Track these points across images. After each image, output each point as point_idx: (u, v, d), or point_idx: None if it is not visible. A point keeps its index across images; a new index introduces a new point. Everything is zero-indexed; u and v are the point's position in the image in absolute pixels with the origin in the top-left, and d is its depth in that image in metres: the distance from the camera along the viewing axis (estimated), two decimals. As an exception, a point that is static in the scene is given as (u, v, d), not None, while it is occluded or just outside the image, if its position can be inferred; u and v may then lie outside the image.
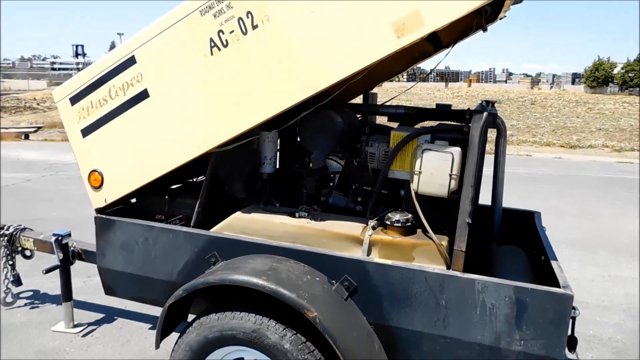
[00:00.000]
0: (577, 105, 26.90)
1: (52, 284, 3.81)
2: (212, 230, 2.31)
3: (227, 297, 2.03)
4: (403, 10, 1.80)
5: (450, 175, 2.02)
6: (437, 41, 2.87)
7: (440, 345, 1.94)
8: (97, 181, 2.44)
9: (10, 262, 3.38)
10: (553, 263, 2.15)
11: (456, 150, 2.04)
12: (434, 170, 2.04)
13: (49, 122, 16.33)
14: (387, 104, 2.89)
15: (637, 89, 45.07)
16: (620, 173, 9.43)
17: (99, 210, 2.48)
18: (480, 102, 2.18)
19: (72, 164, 9.07)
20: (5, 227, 3.35)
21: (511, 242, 2.88)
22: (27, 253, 3.42)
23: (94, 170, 2.44)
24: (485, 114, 1.97)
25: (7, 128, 14.68)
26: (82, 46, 74.74)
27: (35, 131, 14.57)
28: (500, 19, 2.62)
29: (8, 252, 3.34)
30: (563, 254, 4.89)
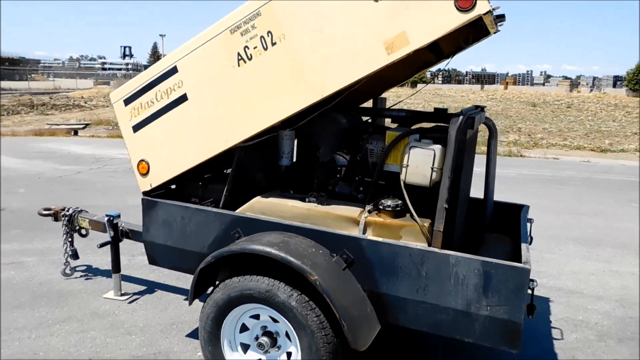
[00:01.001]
0: (616, 109, 26.16)
1: (102, 260, 4.37)
2: (237, 211, 2.74)
3: (247, 265, 2.48)
4: (392, 31, 2.20)
5: (432, 168, 2.39)
6: (439, 51, 3.24)
7: (422, 310, 2.33)
8: (144, 169, 2.94)
9: (70, 239, 3.93)
10: (522, 245, 2.51)
11: (438, 147, 2.41)
12: (418, 163, 2.42)
13: (95, 120, 17.31)
14: (405, 104, 3.25)
15: (685, 92, 43.16)
16: (646, 177, 9.40)
17: (146, 193, 2.97)
18: (471, 106, 2.54)
19: (117, 158, 9.78)
20: (66, 209, 3.91)
21: (503, 231, 3.24)
22: (83, 232, 3.96)
23: (142, 160, 2.93)
24: (461, 117, 2.33)
25: (58, 124, 15.76)
26: (130, 47, 77.79)
27: (83, 128, 15.53)
28: (495, 32, 2.96)
29: (68, 230, 3.89)
30: (569, 249, 5.10)
